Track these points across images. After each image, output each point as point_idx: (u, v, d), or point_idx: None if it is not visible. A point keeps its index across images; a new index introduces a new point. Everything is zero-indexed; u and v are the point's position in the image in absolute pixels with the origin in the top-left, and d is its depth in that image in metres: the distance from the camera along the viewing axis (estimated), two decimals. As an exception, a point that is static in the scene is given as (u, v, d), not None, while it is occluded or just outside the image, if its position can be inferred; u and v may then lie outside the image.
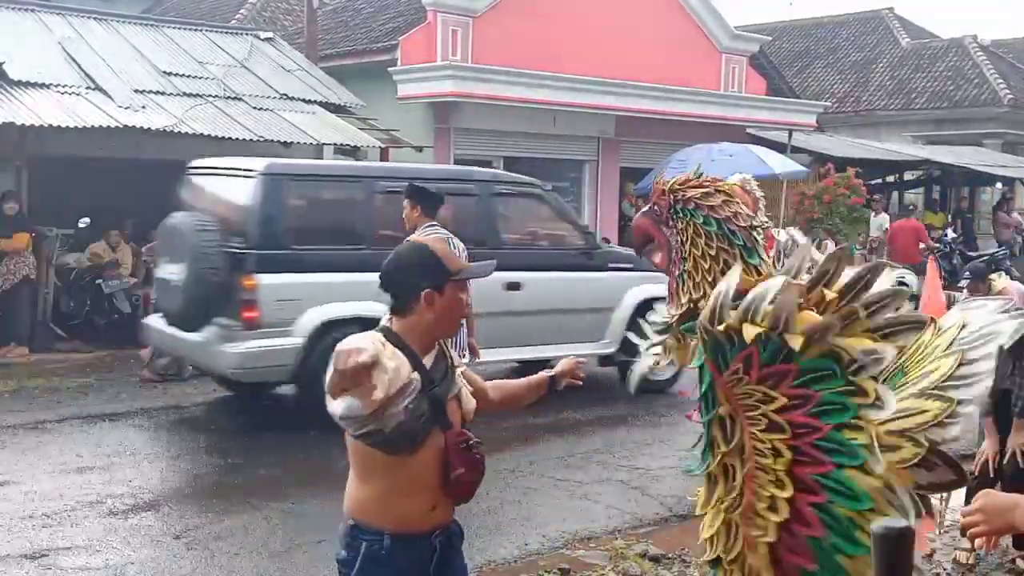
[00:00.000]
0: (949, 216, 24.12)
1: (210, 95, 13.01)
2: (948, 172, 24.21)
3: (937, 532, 5.99)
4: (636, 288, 9.38)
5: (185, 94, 12.79)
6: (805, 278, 2.85)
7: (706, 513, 2.99)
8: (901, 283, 3.04)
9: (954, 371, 2.86)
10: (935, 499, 6.38)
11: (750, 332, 2.71)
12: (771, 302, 2.69)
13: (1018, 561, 5.39)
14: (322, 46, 16.89)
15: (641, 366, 3.41)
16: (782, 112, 20.20)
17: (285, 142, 12.60)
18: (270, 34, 16.15)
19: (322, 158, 14.61)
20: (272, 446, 7.66)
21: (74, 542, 5.57)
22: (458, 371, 2.94)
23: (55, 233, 11.54)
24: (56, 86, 11.81)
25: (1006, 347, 2.86)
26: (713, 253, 3.11)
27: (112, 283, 11.54)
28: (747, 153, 16.53)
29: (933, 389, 2.83)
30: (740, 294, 2.79)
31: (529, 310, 8.79)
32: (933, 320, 3.13)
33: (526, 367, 8.61)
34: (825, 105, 22.89)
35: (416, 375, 2.70)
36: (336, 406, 2.58)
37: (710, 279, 3.09)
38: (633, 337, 3.82)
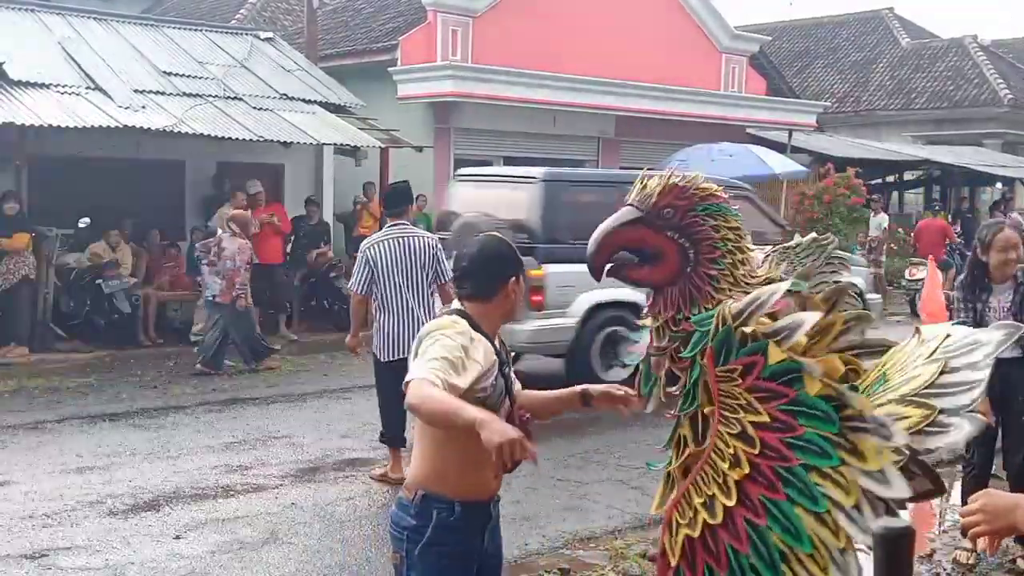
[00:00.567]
0: (949, 216, 24.12)
1: (210, 95, 13.01)
2: (948, 172, 24.21)
3: (937, 532, 6.00)
4: None
5: (185, 94, 12.79)
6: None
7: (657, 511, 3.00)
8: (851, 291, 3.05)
9: (936, 379, 2.85)
10: (935, 499, 6.39)
11: (776, 356, 2.69)
12: (807, 333, 2.67)
13: (1018, 561, 5.39)
14: (322, 46, 16.89)
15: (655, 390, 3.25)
16: (782, 112, 20.21)
17: (285, 142, 12.61)
18: (270, 34, 16.15)
19: (322, 158, 14.65)
20: (272, 447, 7.66)
21: (74, 542, 5.57)
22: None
23: (55, 233, 11.52)
24: (56, 86, 11.80)
25: (992, 357, 2.85)
26: (743, 244, 3.05)
27: (112, 283, 11.53)
28: (747, 153, 16.54)
29: (914, 396, 2.82)
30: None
31: None
32: (918, 330, 3.14)
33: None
34: (825, 105, 22.91)
35: (495, 357, 3.00)
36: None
37: (747, 268, 3.03)
38: None
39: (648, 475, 7.07)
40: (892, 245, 20.09)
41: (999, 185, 25.65)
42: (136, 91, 12.34)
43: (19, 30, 12.93)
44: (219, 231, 10.89)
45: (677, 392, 3.07)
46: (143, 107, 11.90)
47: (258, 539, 5.69)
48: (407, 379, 2.77)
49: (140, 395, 9.38)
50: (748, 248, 3.06)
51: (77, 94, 11.79)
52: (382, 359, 6.50)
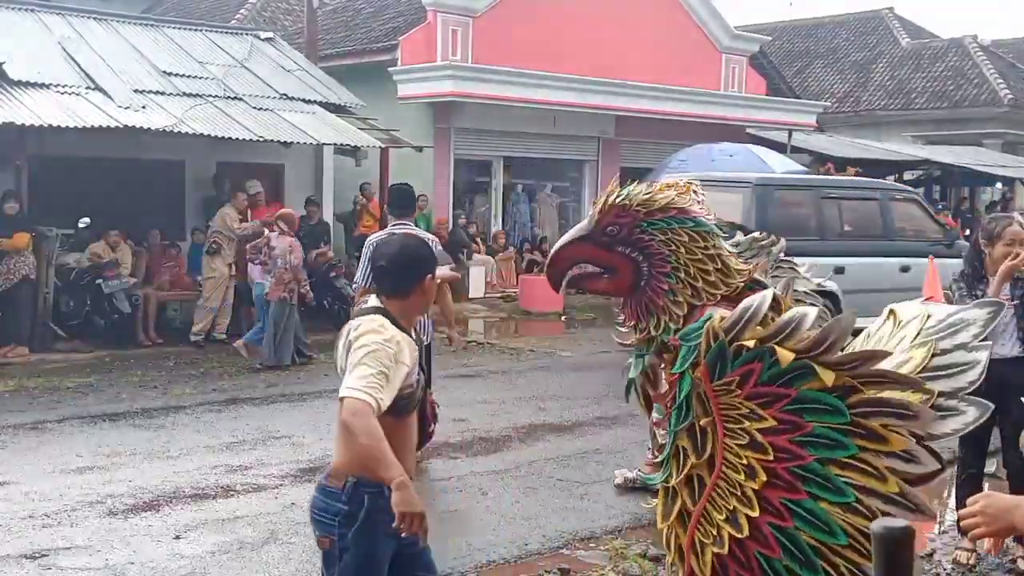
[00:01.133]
0: (949, 215, 24.10)
1: (210, 95, 13.01)
2: (948, 172, 24.19)
3: (937, 532, 6.00)
4: None
5: (185, 94, 12.79)
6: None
7: (670, 527, 2.98)
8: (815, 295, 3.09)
9: (928, 362, 2.85)
10: (935, 500, 6.39)
11: (786, 357, 2.71)
12: (810, 327, 2.71)
13: (1018, 561, 5.38)
14: (322, 46, 16.89)
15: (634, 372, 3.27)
16: (782, 112, 20.22)
17: (285, 142, 12.61)
18: (270, 34, 16.15)
19: (322, 158, 14.64)
20: (272, 447, 7.66)
21: (74, 542, 5.57)
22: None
23: (55, 233, 11.52)
24: (56, 86, 11.80)
25: (983, 337, 2.86)
26: (710, 252, 3.05)
27: (112, 283, 11.52)
28: (747, 153, 16.53)
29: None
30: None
31: (915, 287, 9.89)
32: (892, 311, 3.13)
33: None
34: (825, 105, 22.91)
35: (416, 353, 3.28)
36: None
37: (711, 280, 3.04)
38: None
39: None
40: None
41: (999, 185, 25.64)
42: (136, 91, 12.34)
43: (19, 30, 12.93)
44: (266, 231, 11.15)
45: (658, 395, 3.10)
46: (143, 107, 11.90)
47: (258, 539, 5.69)
48: (345, 392, 3.01)
49: (140, 395, 9.38)
50: (718, 258, 3.06)
51: (77, 94, 11.78)
52: None
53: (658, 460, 3.06)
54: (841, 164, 19.90)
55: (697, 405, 2.88)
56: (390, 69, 16.25)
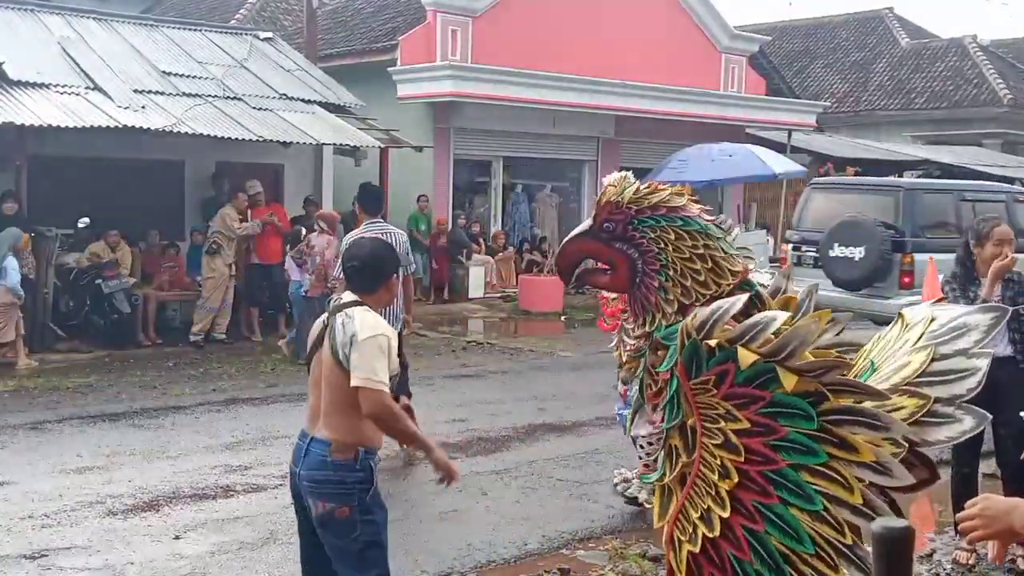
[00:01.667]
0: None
1: (210, 95, 13.01)
2: (948, 172, 24.20)
3: (937, 532, 5.99)
4: None
5: (185, 94, 12.79)
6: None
7: (661, 524, 2.99)
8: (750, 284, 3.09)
9: (927, 367, 2.84)
10: (936, 503, 6.39)
11: (747, 358, 2.71)
12: (775, 332, 2.70)
13: (1018, 561, 5.38)
14: (322, 46, 16.89)
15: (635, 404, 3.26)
16: (782, 112, 20.22)
17: (285, 142, 12.60)
18: (270, 34, 16.15)
19: (322, 158, 14.64)
20: (272, 447, 7.66)
21: (74, 542, 5.57)
22: None
23: (54, 233, 11.52)
24: (56, 86, 11.80)
25: (984, 343, 2.84)
26: (700, 252, 3.05)
27: (111, 283, 11.52)
28: (747, 153, 16.54)
29: (906, 385, 2.81)
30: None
31: None
32: (901, 314, 3.12)
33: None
34: (824, 105, 22.91)
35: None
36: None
37: (701, 279, 3.03)
38: None
39: (648, 475, 7.06)
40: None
41: (999, 185, 25.64)
42: (136, 91, 12.34)
43: (19, 30, 12.94)
44: (303, 232, 11.49)
45: (654, 401, 3.09)
46: (143, 107, 11.90)
47: (258, 539, 5.69)
48: (366, 383, 3.52)
49: (140, 395, 9.38)
50: (709, 257, 3.05)
51: (77, 94, 11.78)
52: None
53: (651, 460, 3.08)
54: (841, 164, 19.92)
55: (685, 404, 2.89)
56: (389, 69, 16.25)
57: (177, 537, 5.68)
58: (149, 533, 5.74)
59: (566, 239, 3.29)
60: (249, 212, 12.47)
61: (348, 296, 3.77)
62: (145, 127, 11.35)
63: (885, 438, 2.69)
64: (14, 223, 10.87)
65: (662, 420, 3.00)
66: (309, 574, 3.84)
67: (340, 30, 18.68)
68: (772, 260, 16.69)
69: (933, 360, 2.85)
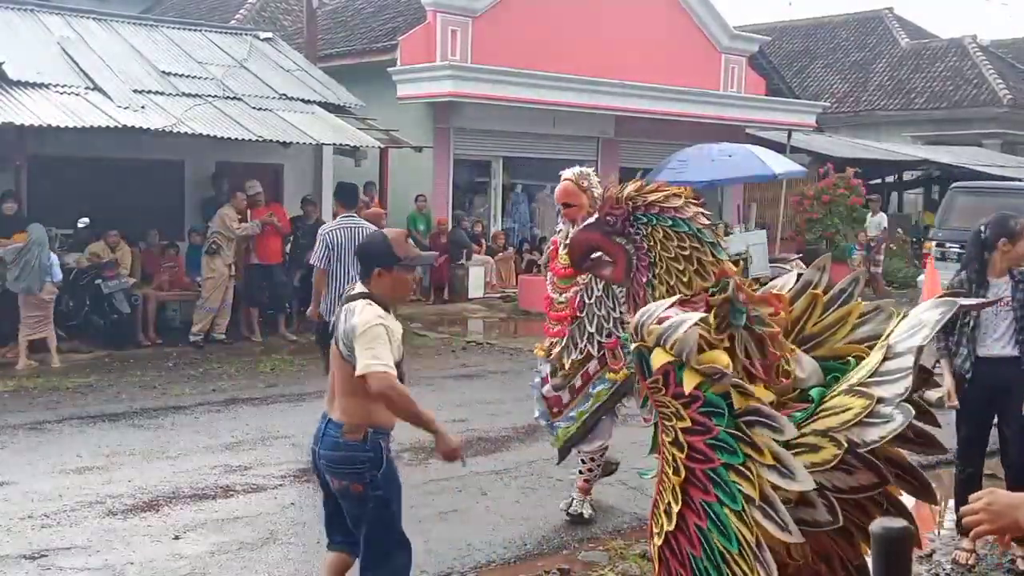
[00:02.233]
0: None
1: (209, 95, 13.01)
2: (948, 172, 24.20)
3: (937, 532, 6.00)
4: None
5: (184, 94, 12.79)
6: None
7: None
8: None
9: (879, 366, 2.83)
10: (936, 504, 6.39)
11: (659, 359, 2.82)
12: (678, 337, 2.78)
13: (1018, 561, 5.38)
14: (322, 46, 16.89)
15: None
16: (781, 112, 20.22)
17: (284, 142, 12.60)
18: (269, 34, 16.14)
19: (321, 158, 14.64)
20: (272, 447, 7.66)
21: (74, 542, 5.57)
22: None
23: (54, 233, 11.52)
24: (56, 86, 11.80)
25: (928, 340, 2.80)
26: (686, 253, 3.12)
27: (111, 283, 11.52)
28: (747, 153, 16.53)
29: (859, 385, 2.81)
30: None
31: None
32: (905, 314, 3.11)
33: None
34: (824, 105, 22.91)
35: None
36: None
37: (685, 279, 3.11)
38: None
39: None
40: (891, 245, 20.09)
41: (998, 185, 25.62)
42: (135, 91, 12.34)
43: (19, 30, 12.93)
44: None
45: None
46: (143, 107, 11.90)
47: (258, 539, 5.69)
48: (371, 369, 3.71)
49: (140, 395, 9.37)
50: (695, 259, 3.11)
51: (77, 94, 11.78)
52: (327, 319, 7.05)
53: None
54: (841, 164, 19.91)
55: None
56: (389, 69, 16.25)
57: (177, 537, 5.68)
58: (149, 533, 5.74)
59: (576, 231, 3.44)
60: (248, 212, 12.47)
61: (359, 287, 3.99)
62: (145, 127, 11.34)
63: (830, 439, 2.71)
64: (14, 223, 10.86)
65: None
66: (333, 525, 4.22)
67: (340, 30, 18.68)
68: (773, 261, 16.71)
69: (886, 359, 2.82)
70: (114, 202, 12.45)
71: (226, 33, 15.69)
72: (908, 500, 3.00)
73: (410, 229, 15.01)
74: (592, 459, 6.02)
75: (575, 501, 6.05)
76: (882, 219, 18.82)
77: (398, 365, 3.86)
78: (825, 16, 33.83)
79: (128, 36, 14.00)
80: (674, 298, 2.99)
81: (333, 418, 3.99)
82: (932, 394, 9.60)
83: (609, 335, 5.66)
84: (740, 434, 2.75)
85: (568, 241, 3.51)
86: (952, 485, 5.85)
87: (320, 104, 14.01)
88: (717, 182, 16.66)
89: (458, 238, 16.30)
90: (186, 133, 11.60)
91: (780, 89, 22.73)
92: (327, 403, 4.11)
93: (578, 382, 5.78)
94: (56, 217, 11.75)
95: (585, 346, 5.71)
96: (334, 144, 13.50)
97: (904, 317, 2.96)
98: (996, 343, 5.31)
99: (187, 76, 13.37)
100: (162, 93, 12.58)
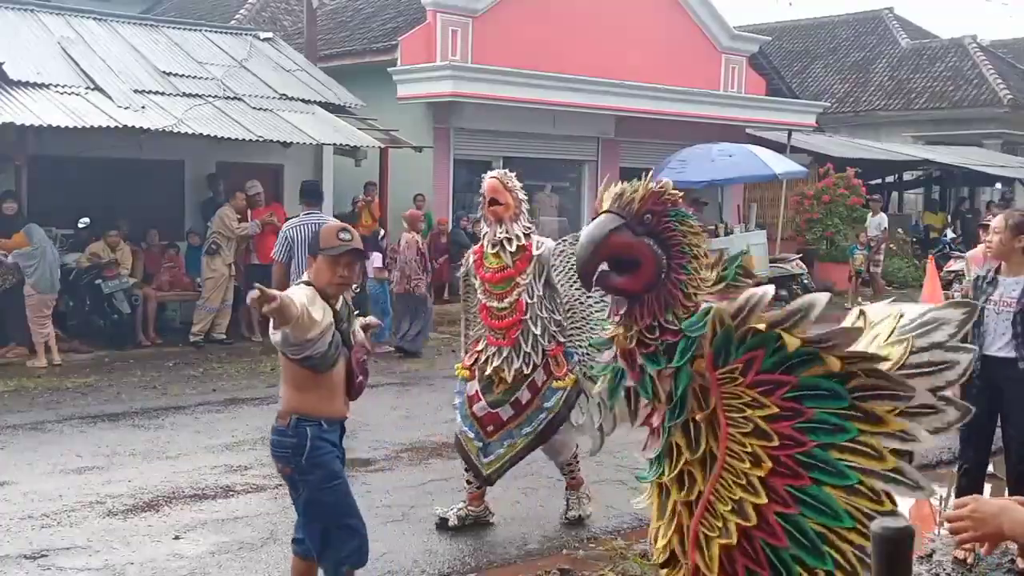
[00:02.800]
0: (948, 216, 24.12)
1: (210, 95, 13.01)
2: (948, 172, 24.21)
3: (937, 532, 6.00)
4: None
5: (185, 94, 12.79)
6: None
7: (659, 524, 3.00)
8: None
9: (906, 359, 2.87)
10: (935, 500, 6.40)
11: (793, 343, 2.74)
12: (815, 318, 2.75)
13: (1018, 561, 5.38)
14: (322, 46, 16.88)
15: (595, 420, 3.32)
16: (781, 112, 20.21)
17: (285, 142, 12.60)
18: (270, 34, 16.14)
19: (321, 158, 14.64)
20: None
21: (74, 542, 5.57)
22: (355, 312, 4.30)
23: (55, 233, 11.53)
24: (56, 86, 11.80)
25: (959, 337, 2.87)
26: (703, 248, 3.08)
27: (111, 283, 11.53)
28: (747, 153, 16.54)
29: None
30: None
31: None
32: (863, 312, 3.15)
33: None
34: (824, 105, 22.90)
35: (331, 317, 3.98)
36: (275, 336, 3.92)
37: (702, 275, 3.06)
38: None
39: (648, 475, 7.05)
40: (891, 245, 20.10)
41: (998, 185, 25.66)
42: (136, 91, 12.34)
43: (19, 30, 12.93)
44: (383, 232, 12.77)
45: (650, 405, 3.07)
46: (143, 107, 11.90)
47: (258, 539, 5.69)
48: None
49: (140, 395, 9.38)
50: (707, 253, 3.10)
51: (77, 94, 11.78)
52: None
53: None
54: (841, 164, 19.91)
55: (693, 400, 2.90)
56: (389, 69, 16.24)
57: (177, 537, 5.68)
58: (149, 533, 5.74)
59: (594, 237, 3.00)
60: (249, 212, 12.47)
61: (305, 275, 4.19)
62: (145, 127, 11.35)
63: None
64: (14, 223, 10.87)
65: (660, 421, 3.01)
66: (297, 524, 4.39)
67: (340, 30, 18.67)
68: (773, 261, 16.72)
69: (911, 353, 2.89)
70: (114, 202, 12.45)
71: (226, 33, 15.69)
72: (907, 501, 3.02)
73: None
74: (568, 464, 5.95)
75: (570, 502, 5.96)
76: (882, 219, 18.82)
77: (321, 356, 3.93)
78: (825, 16, 33.83)
79: (128, 36, 14.00)
80: (770, 289, 2.89)
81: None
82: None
83: (550, 340, 5.50)
84: (850, 411, 2.73)
85: (579, 252, 3.02)
86: (952, 485, 5.86)
87: (320, 104, 14.01)
88: (717, 182, 16.67)
89: (458, 238, 16.29)
90: (186, 133, 11.60)
91: (780, 89, 22.71)
92: None
93: (525, 395, 5.51)
94: (56, 217, 11.76)
95: (530, 353, 5.46)
96: (334, 144, 13.50)
97: (900, 316, 2.98)
98: (996, 343, 5.31)
99: (187, 76, 13.37)
100: (162, 93, 12.58)
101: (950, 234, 21.58)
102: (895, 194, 26.03)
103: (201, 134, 11.66)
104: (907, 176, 25.62)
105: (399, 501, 6.33)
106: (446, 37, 16.63)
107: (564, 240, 5.80)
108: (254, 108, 13.05)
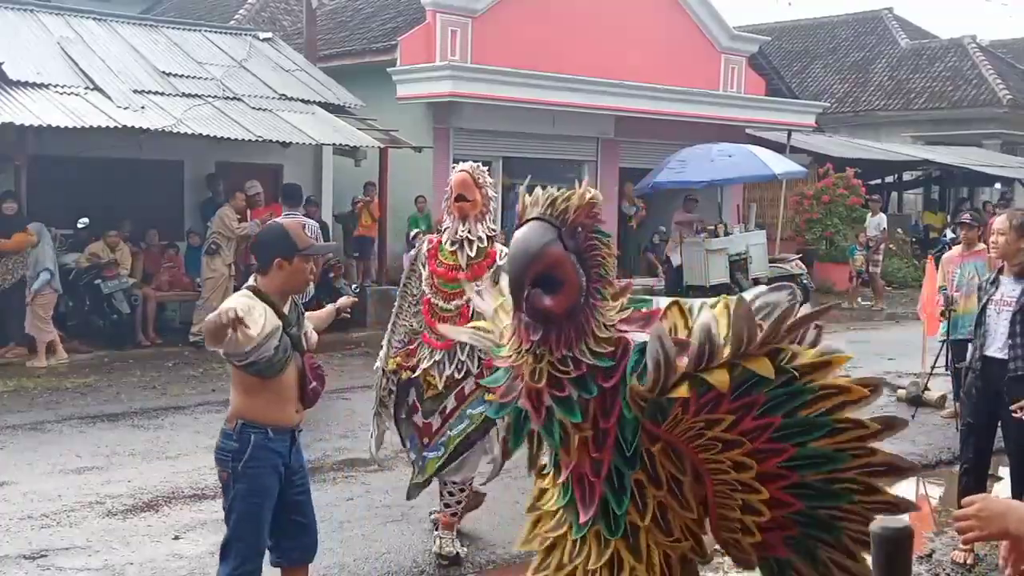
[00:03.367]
0: (948, 216, 24.11)
1: (209, 95, 13.01)
2: (947, 172, 24.22)
3: (937, 532, 6.00)
4: None
5: (184, 94, 12.79)
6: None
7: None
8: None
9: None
10: (934, 499, 6.40)
11: (723, 382, 2.69)
12: (725, 338, 2.73)
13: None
14: (321, 46, 16.88)
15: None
16: (781, 112, 20.20)
17: (284, 142, 12.60)
18: (269, 34, 16.14)
19: (321, 158, 14.64)
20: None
21: (73, 542, 5.57)
22: (304, 314, 4.12)
23: (54, 233, 11.52)
24: (55, 86, 11.80)
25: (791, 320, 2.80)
26: (613, 274, 2.85)
27: (111, 283, 11.52)
28: (746, 153, 16.52)
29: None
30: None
31: None
32: (677, 304, 3.02)
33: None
34: (824, 105, 22.90)
35: (278, 321, 3.82)
36: (215, 347, 3.74)
37: (610, 303, 2.84)
38: None
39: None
40: (891, 245, 20.11)
41: (998, 185, 25.66)
42: (135, 91, 12.34)
43: (18, 30, 12.93)
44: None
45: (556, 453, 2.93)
46: (142, 107, 11.90)
47: (258, 539, 5.67)
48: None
49: (140, 395, 9.38)
50: (612, 281, 2.87)
51: (76, 94, 11.78)
52: None
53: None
54: (840, 164, 19.92)
55: (644, 437, 2.81)
56: (389, 69, 16.24)
57: (177, 537, 5.68)
58: (148, 533, 5.74)
59: (532, 247, 2.66)
60: (248, 212, 12.47)
61: (249, 281, 4.02)
62: (145, 127, 11.35)
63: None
64: (14, 223, 10.86)
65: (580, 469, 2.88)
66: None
67: (340, 30, 18.66)
68: (772, 261, 16.71)
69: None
70: (114, 202, 12.45)
71: (226, 33, 15.69)
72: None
73: (411, 229, 15.00)
74: (461, 490, 5.38)
75: (443, 540, 5.34)
76: (882, 219, 18.80)
77: (267, 361, 3.77)
78: (825, 16, 33.84)
79: (128, 36, 14.00)
80: (654, 344, 2.72)
81: None
82: (932, 394, 9.58)
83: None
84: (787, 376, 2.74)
85: (514, 263, 2.66)
86: (954, 485, 5.86)
87: (320, 104, 14.01)
88: (717, 182, 16.66)
89: (458, 238, 16.29)
90: (186, 133, 11.60)
91: (780, 89, 22.71)
92: None
93: (451, 403, 5.18)
94: (56, 217, 11.75)
95: (465, 361, 5.10)
96: (334, 144, 13.50)
97: (731, 303, 2.90)
98: (995, 343, 5.32)
99: (187, 76, 13.37)
100: (162, 93, 12.58)
101: (949, 234, 21.56)
102: (895, 194, 26.04)
103: (200, 134, 11.66)
104: (907, 176, 25.62)
105: (399, 501, 6.32)
106: (446, 37, 16.62)
107: None
108: (253, 108, 13.05)
